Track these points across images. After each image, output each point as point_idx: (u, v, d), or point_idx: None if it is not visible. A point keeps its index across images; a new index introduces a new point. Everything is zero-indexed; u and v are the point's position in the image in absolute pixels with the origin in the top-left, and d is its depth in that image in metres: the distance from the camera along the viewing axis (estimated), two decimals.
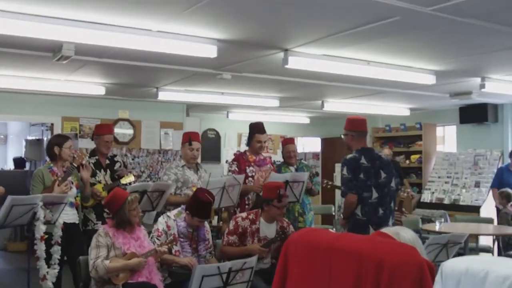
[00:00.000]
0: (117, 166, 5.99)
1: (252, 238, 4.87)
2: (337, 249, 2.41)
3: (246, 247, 4.81)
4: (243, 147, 9.29)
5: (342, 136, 5.12)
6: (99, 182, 5.76)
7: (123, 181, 5.70)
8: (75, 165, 5.29)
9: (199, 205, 4.51)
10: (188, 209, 4.58)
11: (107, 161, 5.95)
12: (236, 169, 5.86)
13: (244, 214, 5.04)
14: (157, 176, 9.04)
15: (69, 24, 4.29)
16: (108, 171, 5.89)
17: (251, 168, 5.90)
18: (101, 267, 4.03)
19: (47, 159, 5.68)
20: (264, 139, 5.99)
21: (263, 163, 6.02)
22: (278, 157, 12.32)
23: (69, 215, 5.19)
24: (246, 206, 5.77)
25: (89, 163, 5.66)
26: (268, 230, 4.94)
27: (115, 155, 6.20)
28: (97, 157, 5.87)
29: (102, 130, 5.97)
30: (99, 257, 4.09)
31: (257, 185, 5.76)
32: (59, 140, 5.40)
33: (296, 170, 6.33)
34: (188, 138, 5.63)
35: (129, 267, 4.11)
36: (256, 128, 6.02)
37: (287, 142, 6.62)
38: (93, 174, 5.70)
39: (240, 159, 5.96)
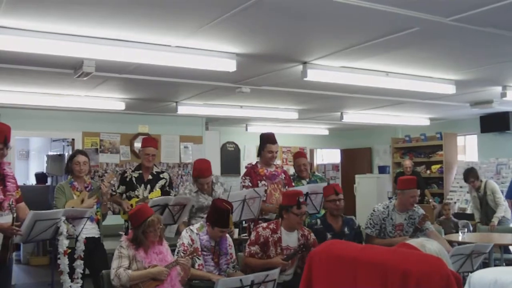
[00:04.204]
0: (161, 182, 5.94)
1: (275, 248, 4.83)
2: (362, 260, 2.39)
3: (268, 260, 4.77)
4: None
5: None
6: (137, 196, 5.74)
7: (151, 196, 5.71)
8: (106, 184, 5.35)
9: (218, 214, 4.51)
10: (208, 220, 4.60)
11: (150, 177, 5.91)
12: (250, 184, 5.79)
13: (264, 224, 5.01)
14: (177, 189, 9.07)
15: (89, 42, 4.35)
16: (149, 187, 5.85)
17: (263, 182, 5.84)
18: (123, 275, 4.06)
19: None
20: (275, 149, 5.94)
21: (273, 177, 5.94)
22: None
23: (88, 229, 5.21)
24: (259, 221, 5.71)
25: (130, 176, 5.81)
26: (290, 239, 4.90)
27: (162, 171, 6.14)
28: (140, 171, 5.85)
29: (144, 143, 6.01)
30: (121, 266, 4.11)
31: (276, 206, 5.61)
32: (71, 155, 5.48)
33: (308, 183, 6.29)
34: (197, 175, 5.50)
35: (151, 274, 4.13)
36: (267, 139, 5.96)
37: (297, 156, 6.64)
38: (133, 188, 5.72)
39: (251, 173, 5.89)
